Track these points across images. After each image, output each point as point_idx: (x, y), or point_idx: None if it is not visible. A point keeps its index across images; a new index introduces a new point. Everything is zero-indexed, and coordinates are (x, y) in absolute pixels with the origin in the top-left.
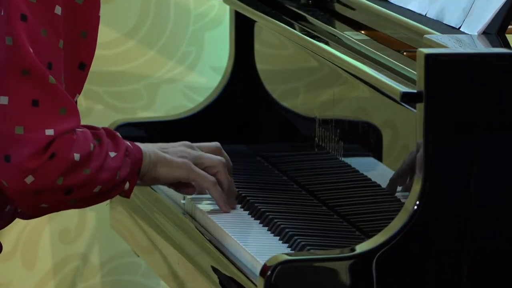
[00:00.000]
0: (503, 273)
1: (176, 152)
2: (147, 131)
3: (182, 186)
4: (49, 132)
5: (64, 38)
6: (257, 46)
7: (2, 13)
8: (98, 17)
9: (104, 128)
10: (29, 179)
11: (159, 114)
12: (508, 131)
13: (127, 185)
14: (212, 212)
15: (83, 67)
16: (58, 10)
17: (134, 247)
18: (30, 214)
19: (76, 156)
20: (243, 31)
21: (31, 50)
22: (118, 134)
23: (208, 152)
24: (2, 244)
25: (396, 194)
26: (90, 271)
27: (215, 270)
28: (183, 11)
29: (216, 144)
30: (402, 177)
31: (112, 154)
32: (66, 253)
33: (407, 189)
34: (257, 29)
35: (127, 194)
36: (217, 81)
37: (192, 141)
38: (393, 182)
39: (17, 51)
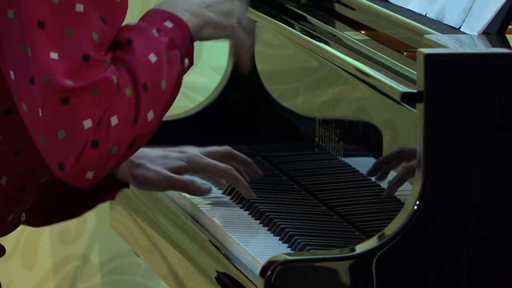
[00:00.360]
0: (503, 273)
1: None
2: None
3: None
4: (87, 124)
5: None
6: (257, 46)
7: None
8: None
9: (137, 28)
10: (89, 175)
11: None
12: (508, 131)
13: (186, 62)
14: (213, 212)
15: None
16: (79, 7)
17: (134, 247)
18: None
19: (114, 121)
20: None
21: (52, 56)
22: (154, 29)
23: (217, 158)
24: (3, 245)
25: (396, 194)
26: (90, 271)
27: (215, 270)
28: None
29: (226, 149)
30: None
31: (152, 57)
32: (66, 253)
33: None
34: (257, 29)
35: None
36: (217, 81)
37: (192, 141)
38: (379, 165)
39: (36, 59)
